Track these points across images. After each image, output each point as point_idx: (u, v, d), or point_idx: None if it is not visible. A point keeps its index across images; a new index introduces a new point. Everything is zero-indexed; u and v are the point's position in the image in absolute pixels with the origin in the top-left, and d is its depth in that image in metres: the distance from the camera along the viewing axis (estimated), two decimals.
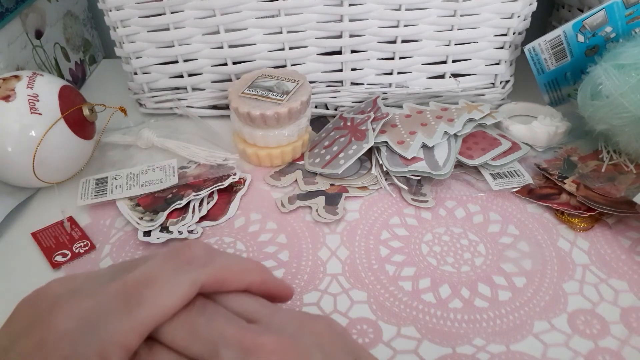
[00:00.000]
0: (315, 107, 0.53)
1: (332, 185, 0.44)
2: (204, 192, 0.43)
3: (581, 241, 0.38)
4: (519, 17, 0.48)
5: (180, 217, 0.41)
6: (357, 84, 0.52)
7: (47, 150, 0.40)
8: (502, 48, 0.50)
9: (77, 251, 0.39)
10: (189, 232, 0.40)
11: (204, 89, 0.53)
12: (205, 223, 0.41)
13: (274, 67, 0.50)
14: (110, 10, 0.48)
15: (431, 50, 0.50)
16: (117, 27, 0.49)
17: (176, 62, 0.51)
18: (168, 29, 0.49)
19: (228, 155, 0.47)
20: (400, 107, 0.53)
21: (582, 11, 0.53)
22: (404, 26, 0.48)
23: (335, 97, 0.52)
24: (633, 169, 0.42)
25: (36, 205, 0.44)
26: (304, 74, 0.48)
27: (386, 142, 0.44)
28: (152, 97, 0.54)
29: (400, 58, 0.50)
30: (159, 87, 0.53)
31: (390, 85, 0.52)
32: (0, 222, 0.41)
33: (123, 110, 0.47)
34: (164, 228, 0.40)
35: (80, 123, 0.43)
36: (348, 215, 0.41)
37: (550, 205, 0.41)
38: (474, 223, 0.40)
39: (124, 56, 0.52)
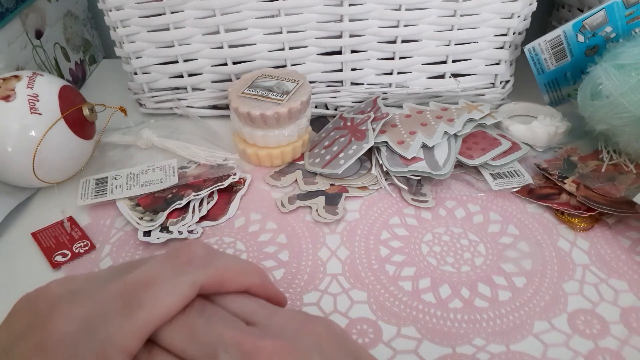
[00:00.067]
0: (315, 107, 0.53)
1: (332, 185, 0.44)
2: (204, 192, 0.43)
3: (581, 241, 0.38)
4: (519, 17, 0.48)
5: (180, 217, 0.41)
6: (357, 84, 0.52)
7: (47, 150, 0.40)
8: (502, 48, 0.50)
9: (77, 251, 0.39)
10: (189, 232, 0.40)
11: (204, 89, 0.53)
12: (205, 223, 0.41)
13: (274, 67, 0.50)
14: (110, 10, 0.48)
15: (431, 50, 0.50)
16: (117, 27, 0.49)
17: (176, 62, 0.51)
18: (168, 29, 0.49)
19: (228, 155, 0.47)
20: (400, 107, 0.53)
21: (582, 11, 0.53)
22: (404, 26, 0.48)
23: (335, 97, 0.52)
24: (633, 169, 0.42)
25: (36, 205, 0.44)
26: (304, 74, 0.48)
27: (386, 142, 0.44)
28: (152, 97, 0.54)
29: (400, 58, 0.50)
30: (159, 87, 0.53)
31: (390, 85, 0.52)
32: (0, 222, 0.41)
33: (123, 110, 0.47)
34: (164, 228, 0.40)
35: (80, 123, 0.43)
36: (348, 215, 0.41)
37: (550, 205, 0.41)
38: (474, 223, 0.40)
39: (124, 56, 0.52)
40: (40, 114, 0.39)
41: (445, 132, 0.44)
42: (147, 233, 0.39)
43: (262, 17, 0.48)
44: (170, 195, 0.43)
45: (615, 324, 0.33)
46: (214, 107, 0.55)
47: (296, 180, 0.45)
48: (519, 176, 0.43)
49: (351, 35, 0.49)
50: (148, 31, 0.49)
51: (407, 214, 0.41)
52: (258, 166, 0.47)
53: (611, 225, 0.39)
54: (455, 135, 0.45)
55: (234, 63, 0.51)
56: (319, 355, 0.20)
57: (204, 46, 0.50)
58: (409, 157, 0.43)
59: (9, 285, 0.37)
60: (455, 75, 0.52)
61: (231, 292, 0.22)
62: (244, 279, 0.23)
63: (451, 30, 0.48)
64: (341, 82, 0.52)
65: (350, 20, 0.47)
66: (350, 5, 0.46)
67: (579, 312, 0.33)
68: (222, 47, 0.50)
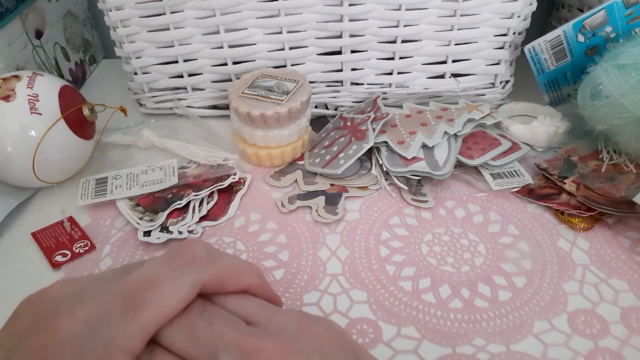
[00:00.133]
0: (315, 107, 0.53)
1: (332, 185, 0.44)
2: (204, 192, 0.43)
3: (581, 241, 0.38)
4: (519, 17, 0.48)
5: (180, 217, 0.41)
6: (357, 84, 0.52)
7: (47, 150, 0.40)
8: (502, 48, 0.50)
9: (77, 251, 0.39)
10: (189, 232, 0.40)
11: (204, 89, 0.53)
12: (205, 223, 0.41)
13: (274, 67, 0.50)
14: (110, 10, 0.48)
15: (431, 50, 0.50)
16: (117, 27, 0.49)
17: (176, 62, 0.51)
18: (168, 29, 0.49)
19: (228, 155, 0.47)
20: (400, 107, 0.53)
21: (582, 11, 0.53)
22: (404, 26, 0.48)
23: (335, 97, 0.52)
24: (633, 169, 0.42)
25: (36, 205, 0.44)
26: (304, 74, 0.48)
27: (386, 142, 0.44)
28: (152, 97, 0.54)
29: (400, 58, 0.50)
30: (159, 87, 0.53)
31: (390, 85, 0.52)
32: (0, 222, 0.41)
33: (123, 110, 0.47)
34: (164, 228, 0.40)
35: (80, 123, 0.43)
36: (348, 215, 0.41)
37: (550, 205, 0.41)
38: (474, 223, 0.40)
39: (124, 56, 0.52)
40: (40, 114, 0.40)
41: (445, 132, 0.44)
42: (147, 233, 0.39)
43: (262, 17, 0.48)
44: (170, 195, 0.43)
45: (615, 324, 0.33)
46: (214, 107, 0.55)
47: (296, 180, 0.45)
48: (519, 176, 0.43)
49: (351, 35, 0.49)
50: (148, 31, 0.49)
51: (407, 214, 0.41)
52: (258, 166, 0.47)
53: (611, 225, 0.39)
54: (455, 135, 0.45)
55: (234, 63, 0.51)
56: (319, 355, 0.20)
57: (204, 46, 0.50)
58: (409, 157, 0.43)
59: (9, 285, 0.37)
60: (455, 75, 0.52)
61: (231, 291, 0.22)
62: (244, 278, 0.23)
63: (451, 30, 0.48)
64: (341, 82, 0.52)
65: (350, 20, 0.47)
66: (350, 5, 0.46)
67: (579, 312, 0.33)
68: (222, 47, 0.50)
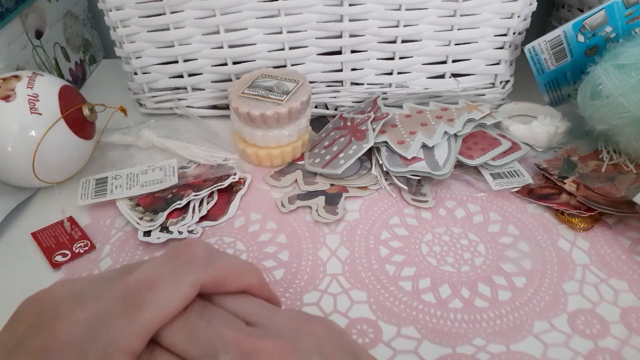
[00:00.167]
0: (315, 107, 0.53)
1: (332, 185, 0.44)
2: (204, 192, 0.43)
3: (581, 241, 0.38)
4: (519, 17, 0.48)
5: (180, 217, 0.41)
6: (357, 84, 0.52)
7: (47, 150, 0.40)
8: (502, 48, 0.50)
9: (77, 251, 0.39)
10: (189, 232, 0.40)
11: (204, 89, 0.53)
12: (205, 223, 0.41)
13: (274, 67, 0.50)
14: (110, 10, 0.48)
15: (431, 50, 0.50)
16: (117, 27, 0.49)
17: (176, 62, 0.51)
18: (168, 29, 0.49)
19: (228, 155, 0.47)
20: (400, 107, 0.53)
21: (582, 11, 0.53)
22: (404, 26, 0.48)
23: (335, 97, 0.52)
24: (633, 169, 0.42)
25: (36, 205, 0.44)
26: (304, 74, 0.48)
27: (386, 142, 0.44)
28: (152, 97, 0.54)
29: (400, 58, 0.50)
30: (159, 87, 0.53)
31: (390, 85, 0.52)
32: (0, 222, 0.41)
33: (123, 110, 0.47)
34: (164, 228, 0.40)
35: (80, 123, 0.43)
36: (348, 215, 0.41)
37: (550, 205, 0.41)
38: (474, 223, 0.40)
39: (124, 56, 0.52)
40: (40, 114, 0.40)
41: (445, 132, 0.44)
42: (147, 233, 0.39)
43: (262, 17, 0.48)
44: (170, 195, 0.43)
45: (615, 324, 0.33)
46: (214, 107, 0.55)
47: (296, 180, 0.45)
48: (519, 176, 0.43)
49: (351, 35, 0.49)
50: (148, 31, 0.49)
51: (407, 214, 0.41)
52: (258, 166, 0.47)
53: (611, 225, 0.39)
54: (455, 135, 0.45)
55: (234, 63, 0.51)
56: (319, 355, 0.20)
57: (204, 46, 0.50)
58: (409, 157, 0.43)
59: (9, 285, 0.37)
60: (455, 75, 0.52)
61: (231, 292, 0.22)
62: (243, 279, 0.23)
63: (451, 30, 0.48)
64: (341, 82, 0.52)
65: (350, 20, 0.47)
66: (350, 5, 0.46)
67: (579, 312, 0.33)
68: (222, 47, 0.50)
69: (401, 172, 0.42)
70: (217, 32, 0.49)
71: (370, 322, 0.33)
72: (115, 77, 0.63)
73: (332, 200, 0.42)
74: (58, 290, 0.21)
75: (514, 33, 0.49)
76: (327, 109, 0.54)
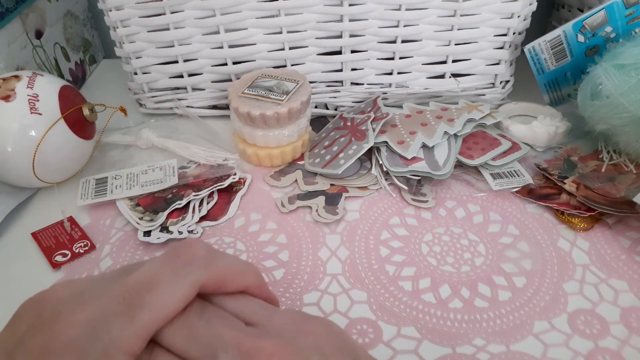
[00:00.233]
0: (315, 107, 0.53)
1: (332, 185, 0.44)
2: (204, 192, 0.43)
3: (581, 241, 0.38)
4: (519, 17, 0.48)
5: (180, 217, 0.41)
6: (357, 84, 0.52)
7: (47, 150, 0.40)
8: (502, 48, 0.50)
9: (77, 251, 0.39)
10: (189, 232, 0.40)
11: (204, 89, 0.53)
12: (205, 223, 0.41)
13: (274, 67, 0.50)
14: (110, 10, 0.48)
15: (431, 50, 0.50)
16: (117, 27, 0.49)
17: (176, 62, 0.51)
18: (168, 29, 0.49)
19: (228, 155, 0.47)
20: (400, 107, 0.53)
21: (582, 11, 0.53)
22: (404, 26, 0.48)
23: (335, 97, 0.52)
24: (633, 169, 0.42)
25: (36, 205, 0.44)
26: (304, 74, 0.48)
27: (386, 142, 0.44)
28: (152, 97, 0.54)
29: (400, 58, 0.50)
30: (159, 87, 0.53)
31: (390, 85, 0.52)
32: (0, 222, 0.41)
33: (123, 110, 0.47)
34: (164, 228, 0.40)
35: (80, 123, 0.43)
36: (348, 215, 0.41)
37: (550, 205, 0.41)
38: (474, 223, 0.40)
39: (124, 56, 0.52)
40: (40, 114, 0.40)
41: (445, 132, 0.44)
42: (147, 233, 0.39)
43: (262, 17, 0.48)
44: (170, 195, 0.43)
45: (615, 324, 0.33)
46: (214, 107, 0.55)
47: (296, 180, 0.45)
48: (519, 176, 0.43)
49: (351, 35, 0.49)
50: (148, 31, 0.49)
51: (407, 214, 0.41)
52: (258, 166, 0.47)
53: (611, 225, 0.39)
54: (455, 135, 0.45)
55: (234, 63, 0.51)
56: (319, 355, 0.20)
57: (204, 46, 0.50)
58: (409, 157, 0.43)
59: (9, 285, 0.37)
60: (455, 75, 0.52)
61: (230, 292, 0.23)
62: (243, 279, 0.23)
63: (451, 30, 0.48)
64: (341, 82, 0.52)
65: (350, 20, 0.47)
66: (350, 5, 0.46)
67: (579, 312, 0.33)
68: (222, 47, 0.50)
69: (401, 172, 0.42)
70: (217, 32, 0.49)
71: (370, 322, 0.33)
72: (115, 77, 0.63)
73: (332, 200, 0.42)
74: (58, 291, 0.21)
75: (514, 33, 0.49)
76: (327, 109, 0.54)
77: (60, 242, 0.40)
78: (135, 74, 0.52)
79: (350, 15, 0.47)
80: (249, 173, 0.46)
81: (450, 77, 0.52)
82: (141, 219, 0.41)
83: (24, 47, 0.51)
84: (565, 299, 0.34)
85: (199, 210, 0.42)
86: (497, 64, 0.51)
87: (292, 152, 0.46)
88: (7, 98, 0.39)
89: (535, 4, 0.48)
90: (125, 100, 0.55)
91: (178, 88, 0.54)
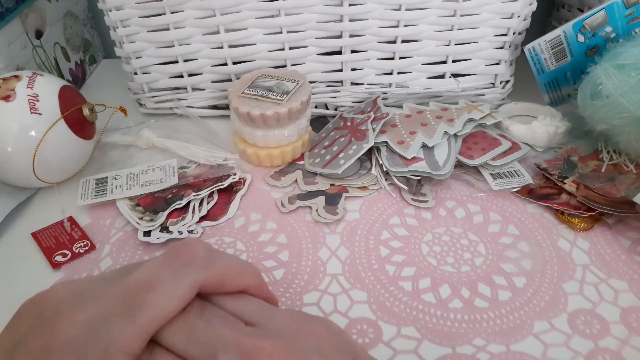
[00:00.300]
0: (315, 107, 0.53)
1: (332, 185, 0.44)
2: (204, 192, 0.43)
3: (581, 241, 0.38)
4: (519, 17, 0.48)
5: (180, 217, 0.41)
6: (357, 84, 0.52)
7: (47, 150, 0.40)
8: (502, 48, 0.50)
9: (77, 251, 0.39)
10: (189, 232, 0.40)
11: (204, 89, 0.53)
12: (205, 223, 0.41)
13: (274, 67, 0.50)
14: (110, 10, 0.48)
15: (431, 50, 0.50)
16: (117, 27, 0.49)
17: (176, 62, 0.51)
18: (168, 29, 0.49)
19: (228, 155, 0.47)
20: (400, 107, 0.53)
21: (582, 11, 0.53)
22: (404, 26, 0.48)
23: (335, 97, 0.52)
24: (633, 169, 0.42)
25: (36, 205, 0.44)
26: (304, 74, 0.48)
27: (386, 142, 0.44)
28: (152, 97, 0.54)
29: (400, 58, 0.50)
30: (159, 87, 0.53)
31: (390, 85, 0.52)
32: (0, 222, 0.41)
33: (123, 110, 0.47)
34: (164, 228, 0.40)
35: (80, 123, 0.43)
36: (348, 215, 0.41)
37: (550, 205, 0.41)
38: (474, 223, 0.40)
39: (124, 56, 0.52)
40: (40, 114, 0.40)
41: (445, 132, 0.44)
42: (147, 233, 0.39)
43: (262, 17, 0.48)
44: (170, 195, 0.43)
45: (615, 324, 0.33)
46: (214, 107, 0.55)
47: (296, 180, 0.45)
48: (519, 176, 0.43)
49: (351, 35, 0.49)
50: (148, 31, 0.49)
51: (407, 214, 0.41)
52: (258, 166, 0.47)
53: (611, 225, 0.39)
54: (455, 135, 0.45)
55: (234, 63, 0.51)
56: (318, 355, 0.20)
57: (204, 46, 0.50)
58: (409, 157, 0.43)
59: (9, 285, 0.37)
60: (455, 75, 0.52)
61: (230, 292, 0.23)
62: (242, 279, 0.23)
63: (451, 30, 0.48)
64: (341, 82, 0.52)
65: (350, 20, 0.47)
66: (350, 5, 0.46)
67: (579, 312, 0.33)
68: (222, 47, 0.50)
69: (401, 172, 0.42)
70: (217, 32, 0.49)
71: (370, 322, 0.33)
72: (115, 77, 0.63)
73: (332, 200, 0.42)
74: (58, 291, 0.22)
75: (514, 33, 0.49)
76: (327, 109, 0.54)
77: (60, 242, 0.40)
78: (135, 74, 0.52)
79: (350, 15, 0.47)
80: (249, 173, 0.46)
81: (450, 77, 0.52)
82: (141, 219, 0.41)
83: (24, 47, 0.51)
84: (565, 299, 0.34)
85: (199, 210, 0.42)
86: (497, 64, 0.51)
87: (292, 152, 0.46)
88: (7, 98, 0.39)
89: (535, 4, 0.48)
90: (125, 100, 0.55)
91: (178, 88, 0.54)
